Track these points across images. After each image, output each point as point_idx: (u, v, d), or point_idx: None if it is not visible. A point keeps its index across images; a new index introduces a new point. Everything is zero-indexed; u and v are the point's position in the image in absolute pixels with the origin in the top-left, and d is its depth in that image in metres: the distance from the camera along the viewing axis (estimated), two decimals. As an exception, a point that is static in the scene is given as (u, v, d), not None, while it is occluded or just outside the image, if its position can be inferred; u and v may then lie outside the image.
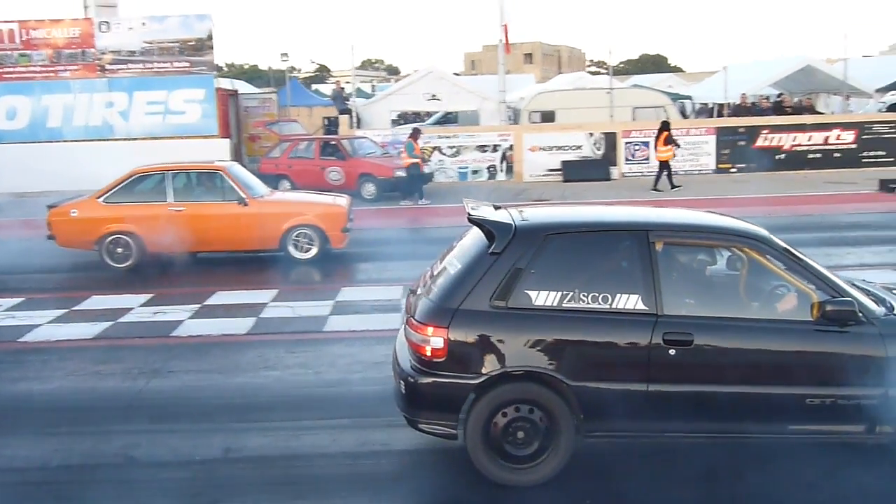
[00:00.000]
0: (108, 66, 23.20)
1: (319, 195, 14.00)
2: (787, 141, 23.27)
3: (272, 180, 17.89)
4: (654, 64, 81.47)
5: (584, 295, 5.04)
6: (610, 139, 23.40)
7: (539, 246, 5.15)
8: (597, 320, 5.03)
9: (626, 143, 23.37)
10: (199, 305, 9.94)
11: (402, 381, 5.22)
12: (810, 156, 23.28)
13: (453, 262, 5.39)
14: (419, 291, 5.50)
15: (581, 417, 5.04)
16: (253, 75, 63.64)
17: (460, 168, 23.54)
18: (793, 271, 5.24)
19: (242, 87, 33.55)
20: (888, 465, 5.33)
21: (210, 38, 23.41)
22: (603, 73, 62.76)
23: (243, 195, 12.22)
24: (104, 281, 11.71)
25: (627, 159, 23.40)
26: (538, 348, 5.01)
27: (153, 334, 8.86)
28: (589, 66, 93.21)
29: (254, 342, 8.49)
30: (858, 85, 27.76)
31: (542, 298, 5.04)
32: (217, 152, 20.61)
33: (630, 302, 5.03)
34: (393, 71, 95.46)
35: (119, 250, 12.26)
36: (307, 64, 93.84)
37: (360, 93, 37.74)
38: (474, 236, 5.53)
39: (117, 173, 12.81)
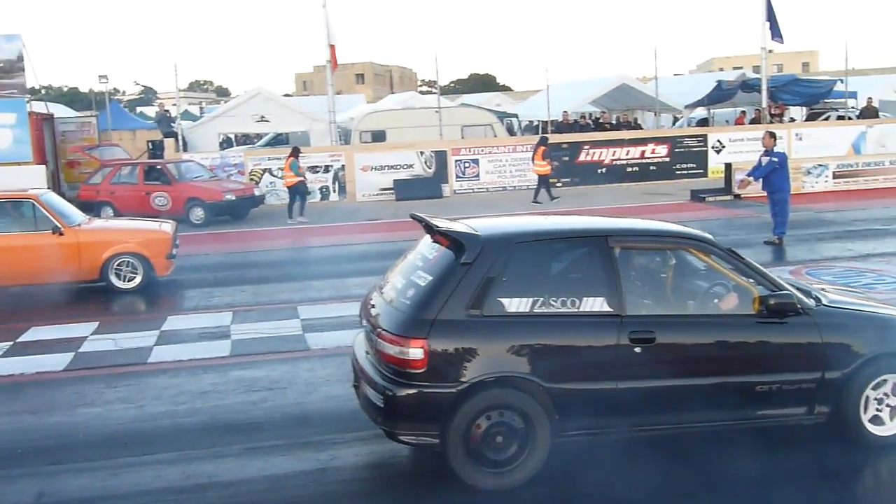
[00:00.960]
0: None
1: (143, 221, 13.51)
2: (607, 156, 24.37)
3: (94, 207, 17.12)
4: (482, 83, 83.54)
5: (553, 300, 5.25)
6: (440, 157, 23.77)
7: (508, 254, 5.34)
8: (567, 323, 5.28)
9: (457, 160, 23.81)
10: (10, 343, 9.35)
11: (378, 395, 5.19)
12: (629, 169, 24.47)
13: (419, 275, 5.43)
14: (377, 305, 5.56)
15: (556, 418, 5.20)
16: (73, 98, 60.84)
17: (292, 189, 23.23)
18: (736, 269, 5.65)
19: (60, 110, 31.97)
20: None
21: (20, 59, 22.17)
22: (434, 93, 63.79)
23: (58, 224, 11.61)
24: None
25: (458, 176, 23.83)
26: (514, 353, 5.17)
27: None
28: (420, 85, 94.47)
29: (72, 378, 8.07)
30: (670, 102, 29.44)
31: (515, 305, 5.22)
32: (32, 179, 19.48)
33: (596, 304, 5.29)
34: (223, 92, 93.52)
35: (-82, 286, 11.39)
36: (131, 86, 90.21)
37: (187, 115, 36.72)
38: (434, 248, 5.62)
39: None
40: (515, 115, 35.25)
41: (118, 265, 11.83)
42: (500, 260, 5.29)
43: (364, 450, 6.02)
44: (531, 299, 5.23)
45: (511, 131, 31.71)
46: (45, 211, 11.69)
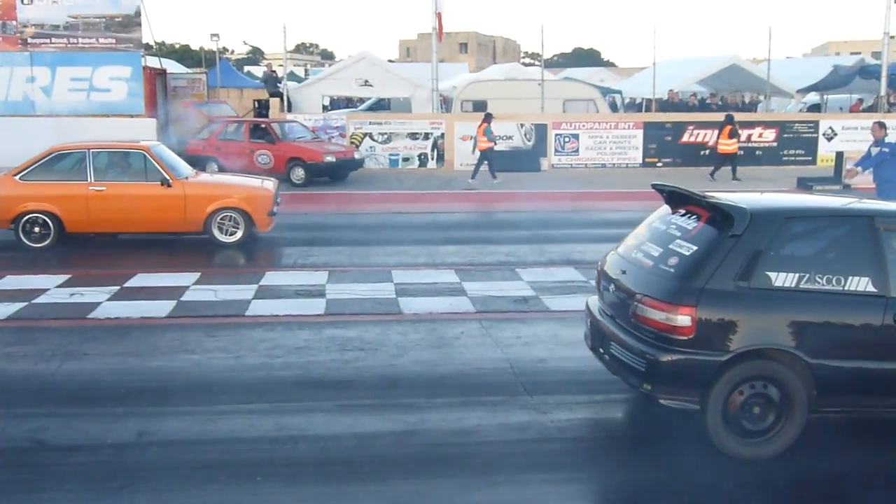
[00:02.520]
0: (30, 40, 22.46)
1: (246, 178, 13.82)
2: (712, 137, 23.75)
3: (200, 162, 17.59)
4: (587, 58, 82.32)
5: (818, 277, 5.32)
6: (540, 130, 23.59)
7: (776, 229, 5.42)
8: (832, 301, 5.31)
9: (557, 134, 23.58)
10: (118, 287, 9.73)
11: (638, 358, 5.36)
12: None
13: (681, 244, 5.58)
14: (629, 271, 5.76)
15: (814, 393, 5.28)
16: (184, 55, 62.41)
17: (391, 155, 23.46)
18: None
19: (172, 66, 32.88)
20: None
21: (138, 14, 22.83)
22: (537, 65, 63.16)
23: (167, 176, 11.99)
24: (19, 261, 11.38)
25: (557, 151, 23.62)
26: (779, 327, 5.26)
27: (69, 316, 8.65)
28: (523, 57, 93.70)
29: (174, 325, 8.36)
30: (781, 85, 28.47)
31: (781, 279, 5.29)
32: (143, 132, 20.16)
33: (861, 284, 5.32)
34: (327, 55, 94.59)
35: (36, 230, 11.93)
36: (240, 45, 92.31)
37: (292, 76, 37.30)
38: (692, 219, 5.76)
39: (38, 151, 12.44)
40: (619, 92, 34.62)
41: (221, 219, 12.15)
42: (768, 234, 5.37)
43: (451, 416, 6.07)
44: (797, 274, 5.29)
45: (614, 107, 31.21)
46: (154, 163, 12.08)
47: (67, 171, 12.10)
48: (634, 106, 33.03)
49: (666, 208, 6.19)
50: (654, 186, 6.39)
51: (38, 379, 6.81)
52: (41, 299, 9.25)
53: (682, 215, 5.92)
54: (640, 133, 23.69)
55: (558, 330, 8.18)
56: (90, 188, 11.88)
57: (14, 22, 22.35)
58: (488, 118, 20.77)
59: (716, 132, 22.80)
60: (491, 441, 5.68)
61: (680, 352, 5.23)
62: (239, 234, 12.20)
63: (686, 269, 5.36)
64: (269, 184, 12.94)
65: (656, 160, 23.64)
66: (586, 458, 5.41)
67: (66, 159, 12.18)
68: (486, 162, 20.58)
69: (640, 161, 23.68)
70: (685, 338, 5.21)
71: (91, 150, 12.09)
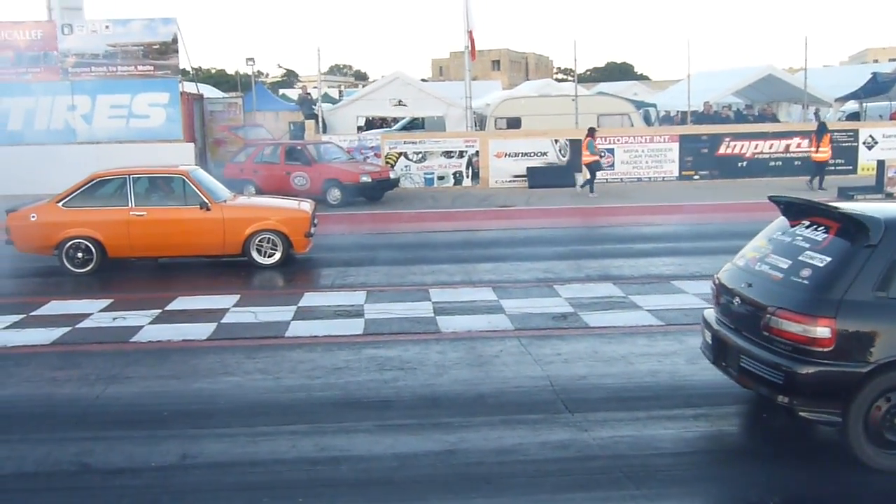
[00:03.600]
0: (71, 70, 22.94)
1: (283, 200, 13.94)
2: (749, 149, 23.57)
3: (237, 185, 17.79)
4: (620, 72, 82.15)
5: None
6: (575, 146, 23.52)
7: None
8: None
9: (591, 149, 23.48)
10: (159, 311, 9.85)
11: (774, 371, 5.35)
12: (772, 163, 23.60)
13: (812, 255, 5.58)
14: (755, 284, 5.76)
15: None
16: (220, 79, 63.27)
17: (426, 173, 23.54)
18: None
19: (208, 91, 33.33)
20: None
21: (175, 41, 23.23)
22: (569, 81, 63.09)
23: (206, 200, 12.13)
24: (64, 286, 11.57)
25: (592, 166, 23.51)
26: None
27: (112, 340, 8.76)
28: (556, 73, 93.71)
29: (214, 348, 8.43)
30: (819, 94, 28.15)
31: None
32: (181, 157, 20.46)
33: None
34: (361, 76, 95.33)
35: (79, 255, 12.12)
36: (274, 68, 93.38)
37: (326, 98, 37.64)
38: (821, 230, 5.74)
39: (79, 177, 12.67)
40: (653, 105, 34.50)
41: (259, 241, 12.27)
42: None
43: (492, 434, 6.03)
44: None
45: (648, 121, 31.06)
46: (193, 187, 12.23)
47: (108, 196, 12.29)
48: (669, 119, 32.85)
49: (784, 220, 6.20)
50: (770, 199, 6.45)
51: (83, 403, 6.89)
52: (85, 324, 9.38)
53: (808, 227, 5.90)
54: (675, 146, 23.55)
55: (598, 346, 8.12)
56: (131, 213, 12.06)
57: (55, 52, 22.83)
58: (591, 132, 21.17)
59: (753, 143, 22.62)
60: (532, 460, 5.64)
61: (819, 364, 5.20)
62: (277, 256, 12.30)
63: (822, 280, 5.35)
64: (306, 205, 13.03)
65: (693, 173, 23.48)
66: (629, 477, 5.34)
67: (107, 185, 12.38)
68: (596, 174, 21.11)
69: (677, 174, 23.53)
70: (824, 349, 5.19)
71: (131, 176, 12.28)
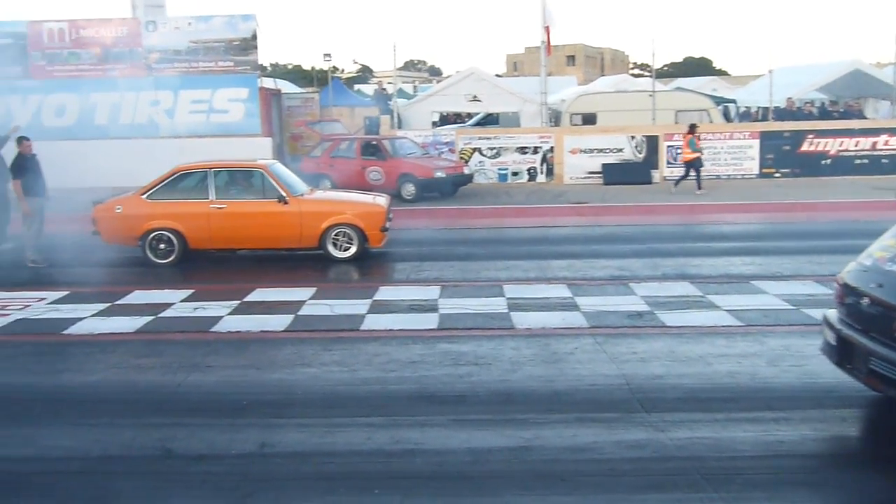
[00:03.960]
0: (154, 66, 23.53)
1: (359, 194, 14.08)
2: (833, 146, 22.92)
3: (313, 179, 18.02)
4: (698, 66, 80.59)
5: None
6: (652, 142, 23.22)
7: None
8: None
9: (669, 146, 23.16)
10: (238, 302, 10.05)
11: None
12: (857, 161, 22.91)
13: None
14: (886, 285, 5.65)
15: None
16: (297, 75, 64.15)
17: (500, 169, 23.50)
18: None
19: (285, 86, 33.81)
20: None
21: (254, 37, 23.62)
22: (646, 76, 62.20)
23: (283, 193, 12.33)
24: (147, 276, 11.90)
25: (669, 163, 23.19)
26: None
27: (193, 329, 8.98)
28: (632, 68, 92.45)
29: (291, 339, 8.56)
30: (908, 90, 27.19)
31: None
32: (259, 151, 20.81)
33: None
34: (435, 72, 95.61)
35: (161, 246, 12.44)
36: (349, 64, 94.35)
37: (401, 93, 37.85)
38: None
39: (162, 171, 13.01)
40: (733, 101, 33.79)
41: (335, 235, 12.41)
42: None
43: (567, 432, 6.00)
44: None
45: (727, 117, 30.45)
46: (272, 180, 12.45)
47: (190, 189, 12.60)
48: (748, 115, 32.16)
49: None
50: None
51: (166, 390, 7.08)
52: (167, 313, 9.63)
53: None
54: (756, 143, 23.04)
55: (675, 346, 8.00)
56: (211, 206, 12.32)
57: (140, 48, 23.45)
58: (692, 129, 20.84)
59: (838, 140, 21.98)
60: (607, 458, 5.59)
61: None
62: (352, 250, 12.42)
63: None
64: (382, 200, 13.14)
65: (774, 171, 22.94)
66: (707, 479, 5.25)
67: (189, 178, 12.69)
68: (692, 171, 20.75)
69: (757, 172, 23.01)
70: None
71: (212, 170, 12.54)
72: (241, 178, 12.83)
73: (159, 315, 9.52)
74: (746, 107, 32.96)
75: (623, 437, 5.91)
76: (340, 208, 12.63)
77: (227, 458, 5.68)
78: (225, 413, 6.51)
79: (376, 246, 12.67)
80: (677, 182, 21.01)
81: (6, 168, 13.38)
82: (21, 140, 13.04)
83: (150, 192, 12.56)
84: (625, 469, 5.44)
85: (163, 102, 23.57)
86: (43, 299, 10.42)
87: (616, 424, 6.13)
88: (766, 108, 27.63)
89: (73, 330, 9.01)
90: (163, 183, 12.59)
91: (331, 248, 12.44)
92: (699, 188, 20.45)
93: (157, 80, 23.49)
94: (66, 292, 10.76)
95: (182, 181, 12.67)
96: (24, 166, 12.85)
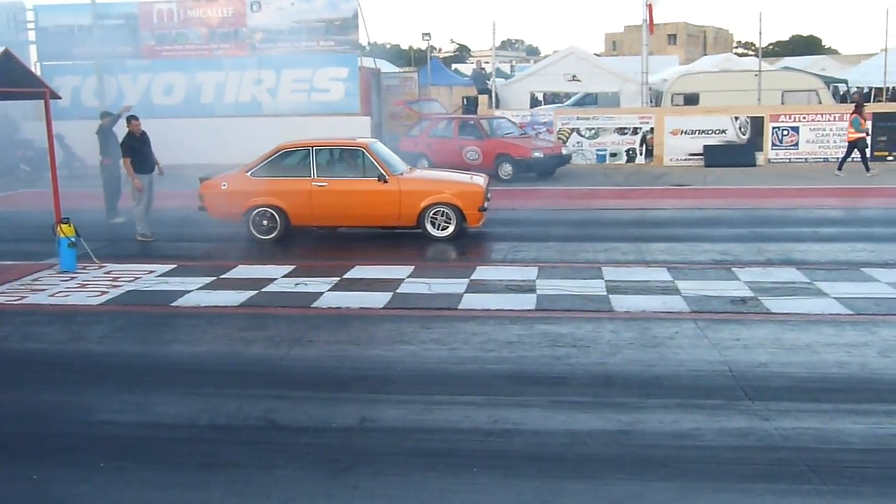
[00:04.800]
0: (257, 45, 24.03)
1: (457, 174, 14.10)
2: (952, 128, 21.85)
3: (411, 158, 18.15)
4: (806, 45, 77.79)
5: None
6: (756, 123, 22.55)
7: None
8: None
9: (774, 127, 22.47)
10: (338, 278, 10.22)
11: None
12: (977, 144, 21.79)
13: None
14: None
15: None
16: (395, 55, 64.59)
17: (598, 150, 23.22)
18: None
19: (384, 65, 34.09)
20: None
21: (355, 17, 23.88)
22: (751, 55, 60.45)
23: (383, 172, 12.45)
24: (250, 251, 12.20)
25: (774, 145, 22.51)
26: None
27: (295, 304, 9.17)
28: (736, 47, 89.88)
29: (390, 316, 8.66)
30: None
31: None
32: (359, 130, 21.07)
33: None
34: (532, 51, 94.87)
35: (265, 223, 12.73)
36: (447, 44, 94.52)
37: (499, 73, 37.71)
38: None
39: (265, 148, 13.29)
40: (844, 81, 32.53)
41: (434, 214, 12.48)
42: None
43: (668, 417, 5.91)
44: None
45: (845, 98, 29.32)
46: (372, 159, 12.57)
47: (292, 167, 12.83)
48: (862, 96, 30.89)
49: None
50: None
51: (269, 363, 7.26)
52: (270, 288, 9.86)
53: None
54: (867, 125, 22.11)
55: (780, 333, 7.77)
56: (313, 184, 12.53)
57: (244, 28, 23.98)
58: (858, 108, 20.13)
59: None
60: (710, 446, 5.49)
61: None
62: (451, 229, 12.47)
63: None
64: (480, 179, 13.13)
65: (887, 153, 22.01)
66: (814, 470, 5.10)
67: (292, 156, 12.92)
68: (855, 152, 20.03)
69: (869, 155, 22.09)
70: None
71: (314, 148, 12.75)
72: (342, 157, 13.00)
73: (262, 290, 9.75)
74: (858, 87, 31.68)
75: (726, 424, 5.78)
76: (439, 187, 12.68)
77: (329, 431, 5.80)
78: (326, 387, 6.64)
79: (474, 226, 12.68)
80: (840, 164, 20.09)
81: (118, 146, 13.88)
82: (130, 119, 13.50)
83: (254, 169, 12.84)
84: (728, 457, 5.32)
85: (266, 81, 24.10)
86: (152, 272, 10.80)
87: (719, 412, 6.00)
88: (880, 89, 26.53)
89: (181, 302, 9.32)
90: (266, 161, 12.86)
91: (429, 227, 12.51)
92: (867, 170, 19.59)
93: (261, 59, 24.02)
94: (174, 266, 11.13)
95: (285, 159, 12.91)
96: (133, 145, 13.30)
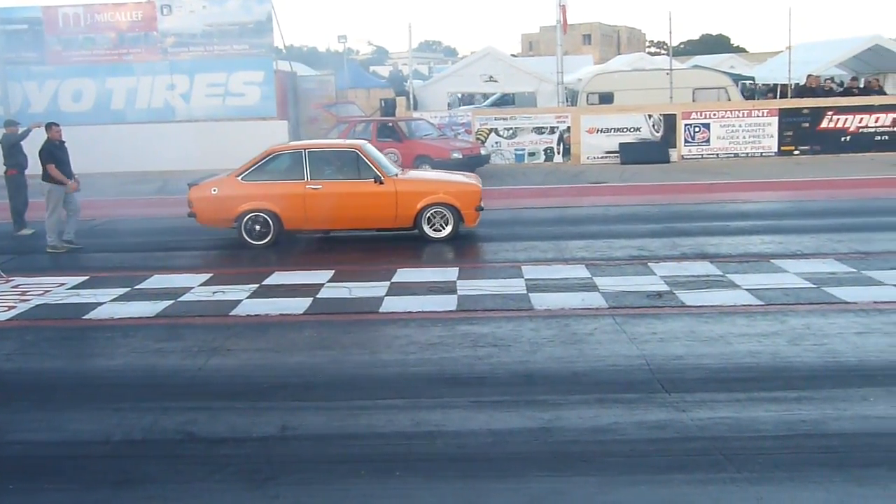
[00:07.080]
0: (170, 49, 23.56)
1: (451, 174, 14.04)
2: (853, 123, 22.69)
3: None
4: (715, 44, 79.88)
5: None
6: (669, 121, 23.06)
7: None
8: None
9: (686, 124, 23.00)
10: (257, 285, 10.02)
11: None
12: (878, 138, 22.67)
13: None
14: None
15: None
16: (312, 58, 64.07)
17: (517, 150, 23.42)
18: None
19: (300, 69, 33.81)
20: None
21: (269, 20, 23.62)
22: (663, 54, 61.79)
23: (379, 174, 12.29)
24: (166, 261, 11.93)
25: (687, 141, 23.04)
26: None
27: (213, 313, 9.01)
28: (648, 46, 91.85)
29: (310, 322, 8.56)
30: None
31: None
32: (276, 134, 20.82)
33: None
34: (450, 52, 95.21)
35: (257, 228, 12.40)
36: (364, 46, 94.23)
37: (417, 74, 37.75)
38: None
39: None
40: (752, 78, 33.50)
41: (431, 215, 12.39)
42: None
43: (588, 413, 5.99)
44: None
45: (752, 95, 30.17)
46: (367, 161, 12.39)
47: (285, 170, 12.49)
48: (763, 92, 31.86)
49: None
50: None
51: (187, 374, 7.11)
52: (186, 297, 9.64)
53: None
54: (774, 120, 22.83)
55: (695, 326, 7.96)
56: (307, 187, 12.28)
57: (155, 32, 23.48)
58: None
59: (858, 117, 21.75)
60: (629, 439, 5.58)
61: None
62: (448, 230, 12.40)
63: None
64: (474, 179, 13.13)
65: (793, 148, 22.74)
66: (729, 459, 5.23)
67: (283, 159, 12.60)
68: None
69: (776, 149, 22.82)
70: None
71: (307, 150, 12.53)
72: (335, 159, 12.71)
73: (179, 299, 9.55)
74: (765, 84, 32.65)
75: (644, 417, 5.89)
76: (436, 188, 12.57)
77: (249, 442, 5.71)
78: (246, 396, 6.53)
79: (471, 225, 12.62)
80: None
81: (22, 155, 13.42)
82: (50, 126, 13.04)
83: (245, 173, 12.45)
84: (647, 450, 5.42)
85: (179, 86, 23.64)
86: (63, 284, 10.47)
87: (637, 405, 6.11)
88: (786, 86, 27.39)
89: (94, 315, 9.05)
90: (257, 164, 12.48)
91: (426, 228, 12.39)
92: None
93: (173, 64, 23.56)
94: (86, 277, 10.82)
95: (276, 162, 12.56)
96: (53, 152, 12.84)
